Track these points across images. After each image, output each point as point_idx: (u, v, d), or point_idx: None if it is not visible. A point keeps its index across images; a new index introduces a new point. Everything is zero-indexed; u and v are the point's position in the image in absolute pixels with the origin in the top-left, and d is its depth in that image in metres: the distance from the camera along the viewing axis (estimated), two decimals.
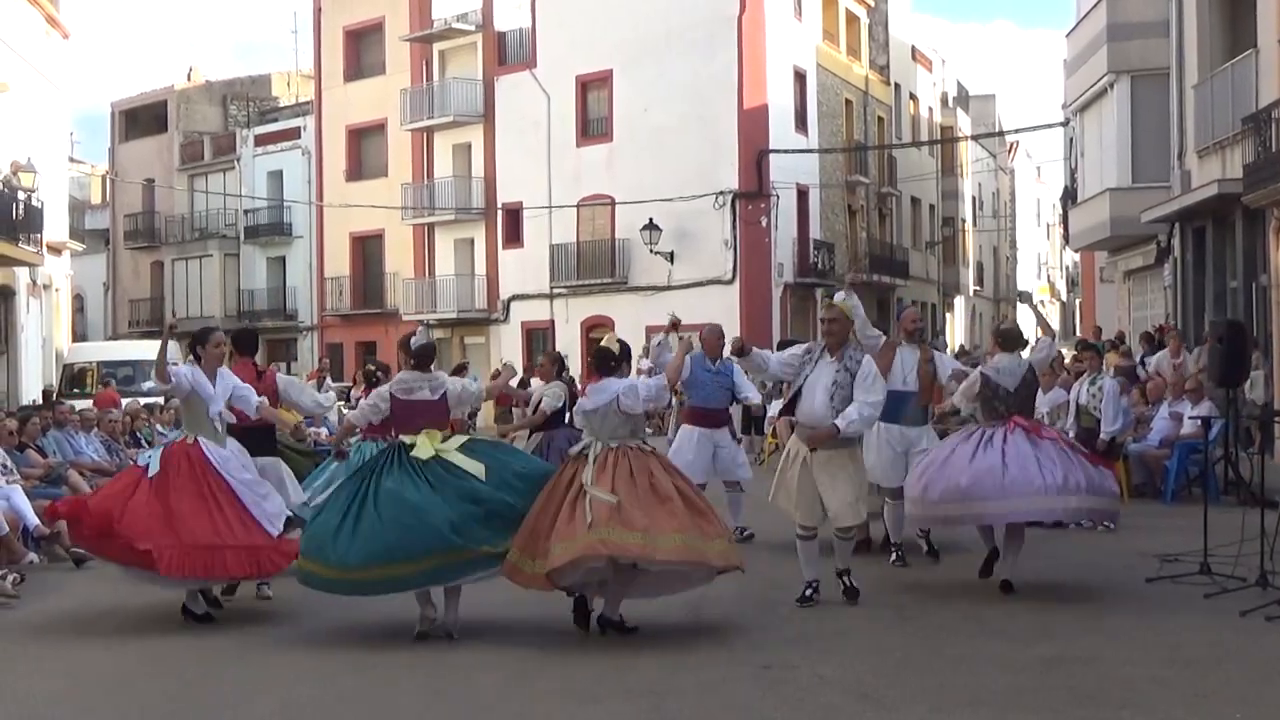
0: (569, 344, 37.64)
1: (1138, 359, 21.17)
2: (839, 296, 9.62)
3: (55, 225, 32.87)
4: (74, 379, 32.30)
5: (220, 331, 10.03)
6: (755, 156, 36.32)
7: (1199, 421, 14.52)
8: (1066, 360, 17.46)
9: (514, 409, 17.50)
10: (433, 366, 9.43)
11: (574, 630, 8.59)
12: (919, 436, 11.10)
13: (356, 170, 45.10)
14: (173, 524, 8.87)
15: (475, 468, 8.58)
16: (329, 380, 21.46)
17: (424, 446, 8.65)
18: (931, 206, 52.82)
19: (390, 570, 8.35)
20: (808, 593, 9.24)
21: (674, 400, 17.51)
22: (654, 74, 37.02)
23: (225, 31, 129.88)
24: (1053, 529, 13.39)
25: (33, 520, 11.91)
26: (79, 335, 46.12)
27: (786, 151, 36.90)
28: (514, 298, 40.75)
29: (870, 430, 10.17)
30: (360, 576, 8.39)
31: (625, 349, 9.14)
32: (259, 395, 9.95)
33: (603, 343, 9.16)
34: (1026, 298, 13.06)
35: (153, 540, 8.80)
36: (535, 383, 12.92)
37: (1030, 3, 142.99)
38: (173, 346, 11.63)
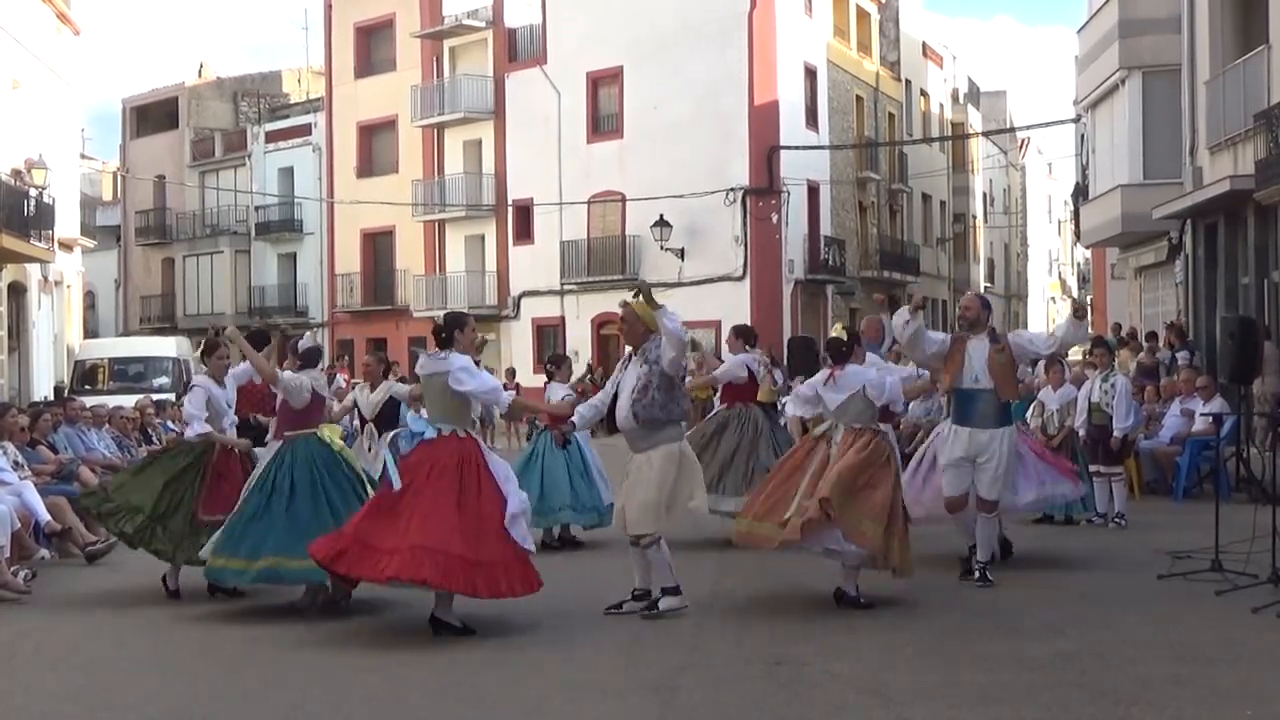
0: (580, 340, 37.72)
1: (1166, 358, 21.05)
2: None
3: (67, 222, 32.93)
4: (85, 375, 32.39)
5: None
6: (766, 153, 36.30)
7: (1210, 418, 14.54)
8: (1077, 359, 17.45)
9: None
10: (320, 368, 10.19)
11: (582, 625, 8.61)
12: (989, 442, 9.88)
13: (367, 167, 45.18)
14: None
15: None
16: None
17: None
18: (942, 203, 52.76)
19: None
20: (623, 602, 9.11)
21: None
22: (665, 70, 37.02)
23: (236, 28, 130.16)
24: (1065, 525, 13.45)
25: (44, 516, 11.94)
26: (90, 332, 46.22)
27: (797, 148, 36.83)
28: (525, 294, 40.82)
29: (945, 433, 10.13)
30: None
31: (855, 337, 9.89)
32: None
33: (833, 333, 9.92)
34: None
35: None
36: (555, 387, 12.95)
37: None
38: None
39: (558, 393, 12.77)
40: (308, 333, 10.65)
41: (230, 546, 9.27)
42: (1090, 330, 13.25)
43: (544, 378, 13.57)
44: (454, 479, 8.46)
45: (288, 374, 9.75)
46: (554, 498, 12.31)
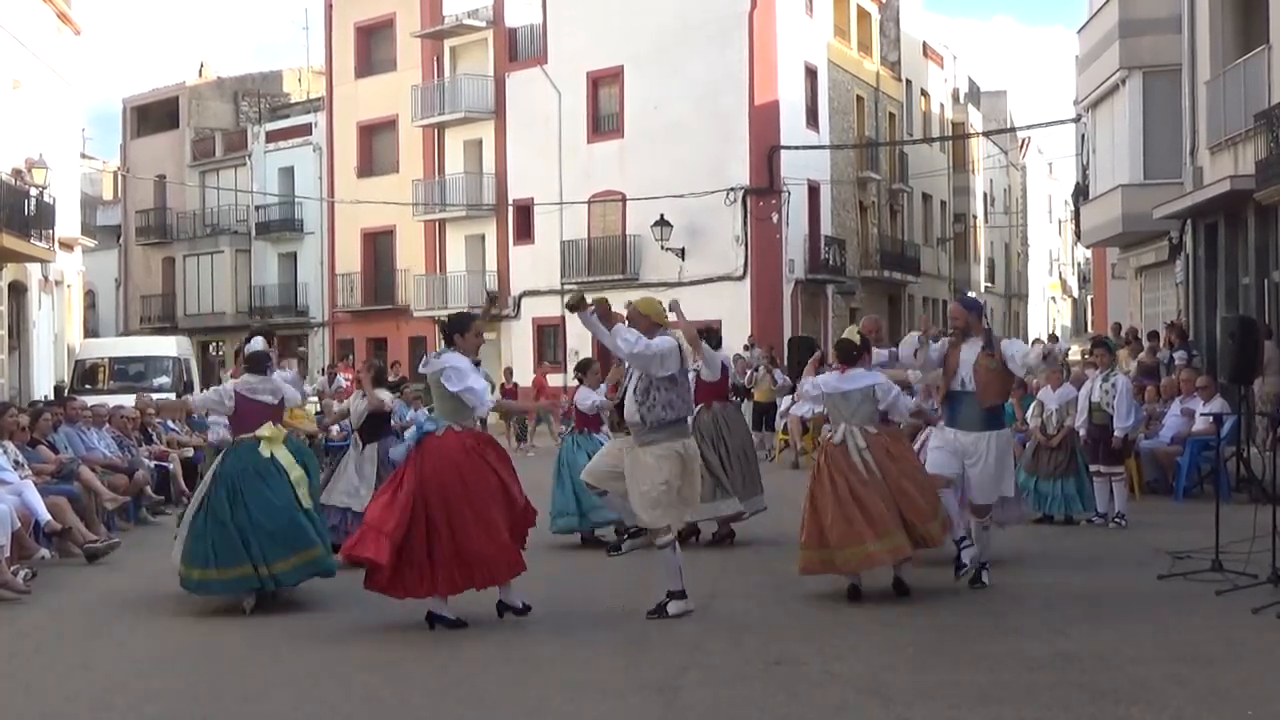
0: (580, 340, 37.62)
1: (1166, 357, 21.05)
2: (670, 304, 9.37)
3: (67, 221, 32.90)
4: (86, 375, 32.36)
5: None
6: (766, 152, 36.26)
7: (1210, 418, 14.53)
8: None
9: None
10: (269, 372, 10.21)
11: (583, 625, 8.62)
12: (973, 445, 9.68)
13: (368, 166, 45.16)
14: None
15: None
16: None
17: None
18: (943, 203, 52.74)
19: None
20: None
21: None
22: (665, 70, 36.97)
23: (236, 28, 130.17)
24: (1065, 525, 13.45)
25: (44, 516, 11.94)
26: (90, 331, 46.18)
27: (798, 148, 36.78)
28: (525, 294, 40.79)
29: (938, 435, 10.08)
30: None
31: (866, 342, 9.91)
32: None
33: (844, 335, 10.00)
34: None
35: None
36: (585, 392, 12.94)
37: None
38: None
39: (587, 397, 12.76)
40: (257, 338, 10.64)
41: (214, 558, 9.42)
42: (1065, 352, 13.57)
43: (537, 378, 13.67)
44: (494, 479, 8.76)
45: (195, 396, 10.01)
46: (585, 500, 12.16)
